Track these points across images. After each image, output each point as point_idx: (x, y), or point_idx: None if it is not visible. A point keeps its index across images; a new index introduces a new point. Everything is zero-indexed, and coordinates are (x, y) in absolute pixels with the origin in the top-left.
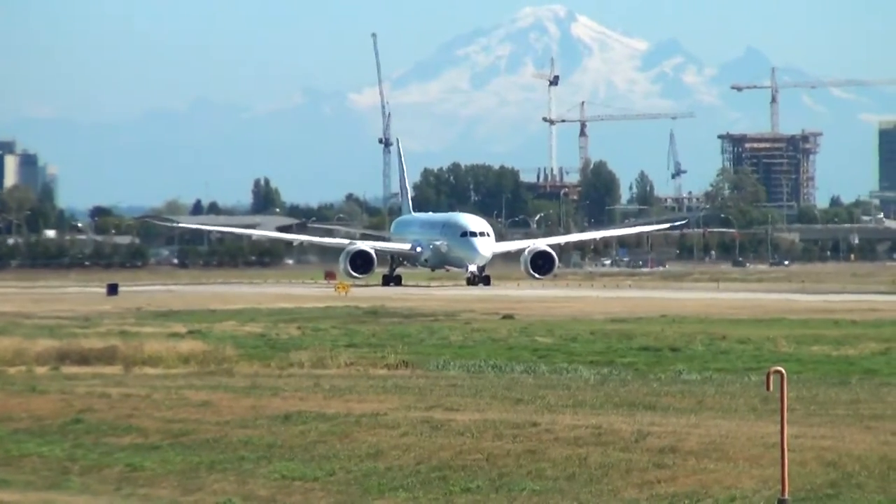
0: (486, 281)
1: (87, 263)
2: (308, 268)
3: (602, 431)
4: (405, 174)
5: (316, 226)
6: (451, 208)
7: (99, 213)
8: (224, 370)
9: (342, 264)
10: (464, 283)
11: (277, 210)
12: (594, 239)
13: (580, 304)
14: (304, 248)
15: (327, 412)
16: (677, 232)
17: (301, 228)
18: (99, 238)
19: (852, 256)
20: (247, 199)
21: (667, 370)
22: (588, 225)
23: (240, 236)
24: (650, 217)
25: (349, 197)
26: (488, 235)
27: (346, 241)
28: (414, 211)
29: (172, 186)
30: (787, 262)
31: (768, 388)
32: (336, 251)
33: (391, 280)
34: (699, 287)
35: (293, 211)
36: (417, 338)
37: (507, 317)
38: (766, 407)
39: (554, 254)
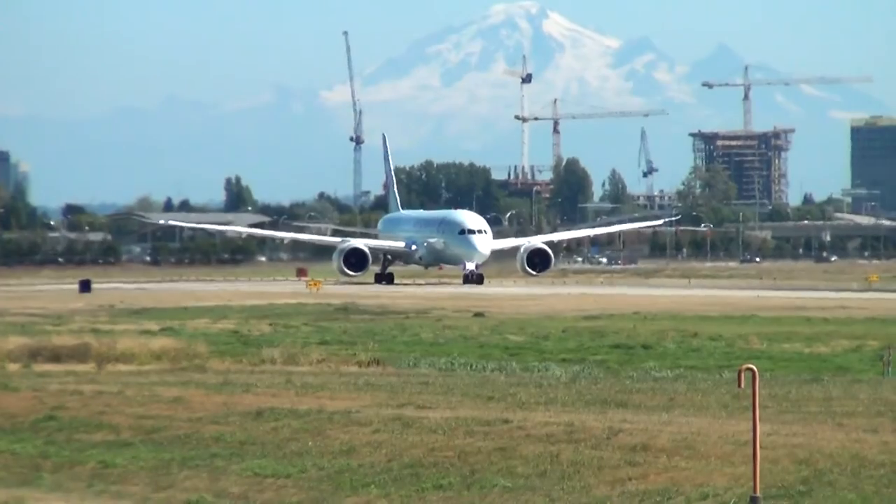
0: (480, 279)
1: (59, 261)
2: (280, 265)
3: (574, 429)
4: (392, 171)
5: (290, 224)
6: (423, 206)
7: (71, 210)
8: (196, 367)
9: (336, 262)
10: (457, 281)
11: (249, 208)
12: (587, 236)
13: (552, 302)
14: (276, 246)
15: (299, 409)
16: (649, 230)
17: (273, 226)
18: (71, 235)
19: (824, 254)
20: (218, 196)
21: (638, 367)
22: (560, 223)
23: (212, 234)
24: (622, 215)
25: (321, 195)
26: (486, 233)
27: (338, 239)
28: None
29: (144, 184)
30: (758, 259)
31: (740, 385)
32: (316, 249)
33: (384, 278)
34: (671, 284)
35: (265, 209)
36: (389, 335)
37: (478, 314)
38: (737, 404)
39: (550, 251)
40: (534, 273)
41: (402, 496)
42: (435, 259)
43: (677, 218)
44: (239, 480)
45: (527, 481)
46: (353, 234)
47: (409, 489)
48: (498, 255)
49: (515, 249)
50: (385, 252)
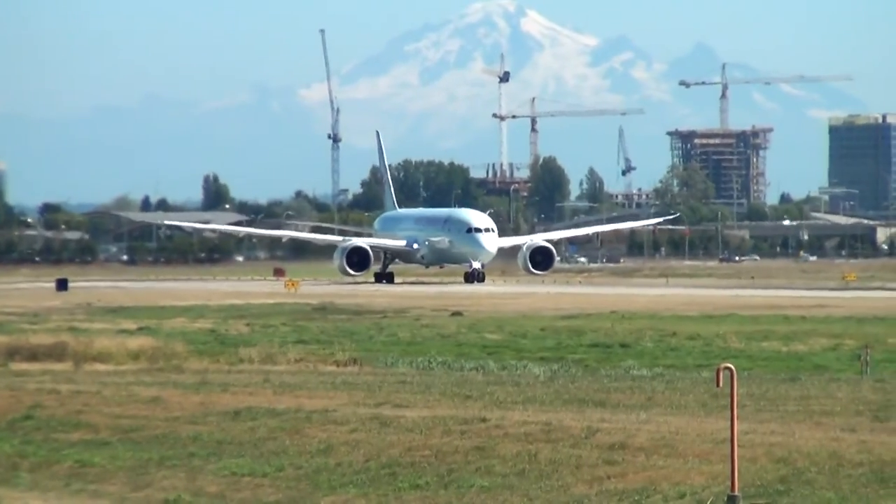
0: (482, 278)
1: (36, 259)
2: (257, 264)
3: (551, 428)
4: (387, 169)
5: (271, 221)
6: (401, 205)
7: (48, 209)
8: (174, 366)
9: (338, 261)
10: (460, 280)
11: (227, 206)
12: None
13: (530, 301)
14: (253, 245)
15: (277, 408)
16: (627, 228)
17: (251, 225)
18: (48, 234)
19: (801, 253)
20: (196, 195)
21: (617, 366)
22: (537, 221)
23: (190, 232)
24: (600, 214)
25: (298, 194)
26: (493, 231)
27: (340, 238)
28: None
29: (122, 183)
30: (737, 258)
31: (718, 384)
32: (294, 248)
33: (384, 277)
34: (649, 283)
35: (242, 207)
36: (366, 334)
37: (456, 313)
38: (715, 403)
39: (553, 249)
40: (536, 271)
41: (379, 495)
42: (439, 258)
43: (676, 216)
44: (216, 480)
45: (504, 480)
46: (331, 231)
47: (386, 488)
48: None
49: (513, 248)
50: (386, 251)
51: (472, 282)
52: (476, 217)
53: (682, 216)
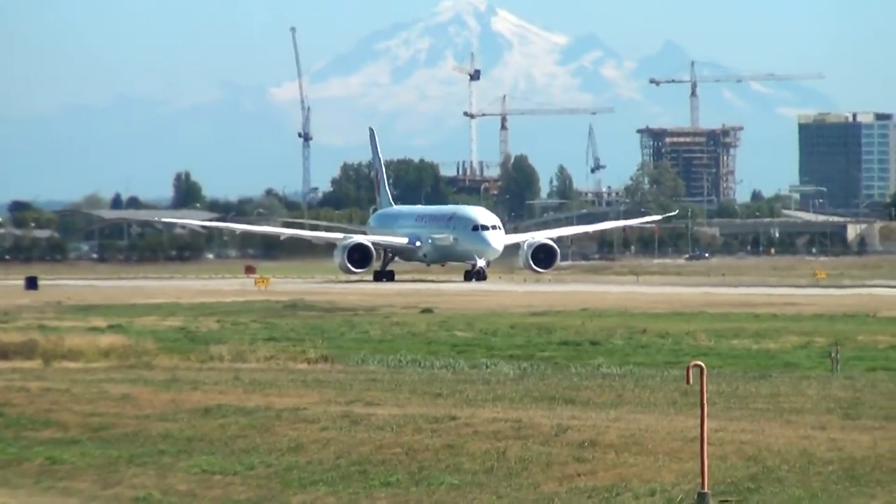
0: (483, 276)
1: (6, 257)
2: (229, 262)
3: (522, 425)
4: (382, 165)
5: (240, 219)
6: (372, 202)
7: (18, 206)
8: (144, 364)
9: (339, 258)
10: (460, 279)
11: (198, 205)
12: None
13: (500, 298)
14: (224, 243)
15: (247, 406)
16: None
17: (222, 223)
18: (18, 232)
19: (772, 250)
20: (167, 193)
21: (587, 364)
22: (508, 219)
23: (160, 230)
24: (570, 211)
25: (269, 192)
26: (499, 229)
27: (341, 236)
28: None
29: (93, 181)
30: (707, 255)
31: (688, 381)
32: (266, 245)
33: (383, 275)
34: (619, 280)
35: (213, 205)
36: (337, 332)
37: (426, 311)
38: (685, 401)
39: (555, 246)
40: (538, 269)
41: (349, 493)
42: (442, 256)
43: (675, 213)
44: (186, 478)
45: (474, 478)
46: (302, 228)
47: (356, 486)
48: None
49: (512, 247)
50: (386, 248)
51: (473, 280)
52: (482, 214)
53: (676, 214)
